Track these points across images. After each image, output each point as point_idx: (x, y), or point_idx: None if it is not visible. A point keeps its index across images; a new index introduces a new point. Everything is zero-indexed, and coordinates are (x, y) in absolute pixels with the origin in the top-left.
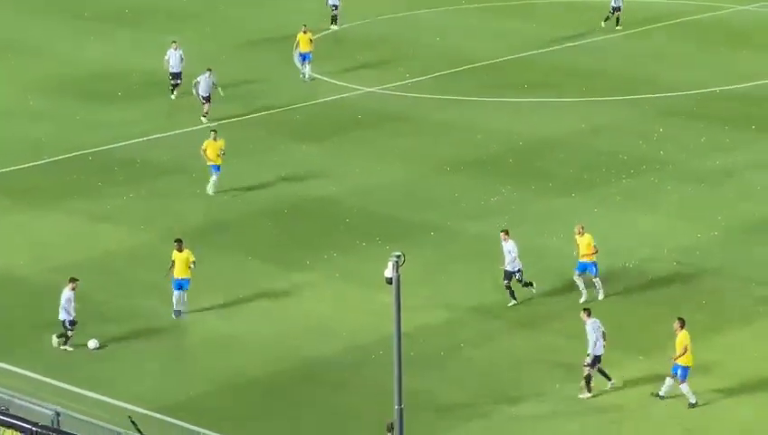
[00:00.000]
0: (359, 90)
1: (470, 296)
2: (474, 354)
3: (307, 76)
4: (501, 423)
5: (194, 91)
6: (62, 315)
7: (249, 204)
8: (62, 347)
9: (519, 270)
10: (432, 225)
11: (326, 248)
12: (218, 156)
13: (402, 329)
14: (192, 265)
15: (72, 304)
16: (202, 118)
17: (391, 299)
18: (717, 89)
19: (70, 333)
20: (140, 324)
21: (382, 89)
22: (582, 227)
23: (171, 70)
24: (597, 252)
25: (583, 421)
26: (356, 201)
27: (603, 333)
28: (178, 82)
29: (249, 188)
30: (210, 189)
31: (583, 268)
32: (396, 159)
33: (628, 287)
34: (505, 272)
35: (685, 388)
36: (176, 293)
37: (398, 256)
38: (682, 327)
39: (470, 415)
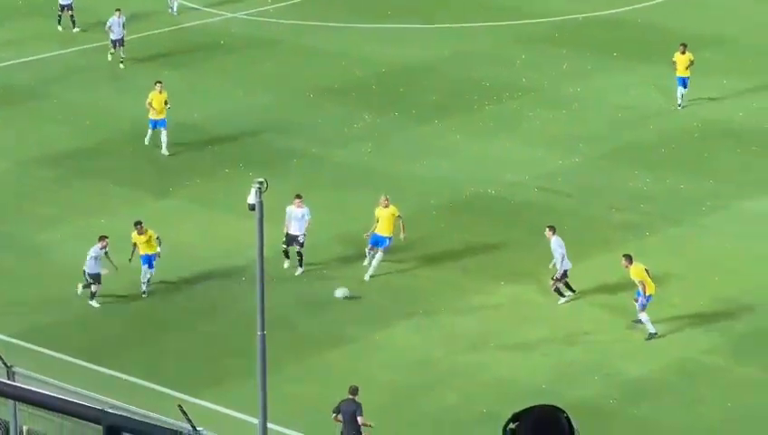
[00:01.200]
0: (222, 15)
1: (332, 223)
2: (337, 276)
3: (175, 10)
4: (366, 348)
5: (109, 38)
6: (91, 268)
7: (112, 131)
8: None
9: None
10: (296, 151)
11: (190, 175)
12: (164, 108)
13: (265, 255)
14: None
15: (99, 261)
16: (120, 65)
17: (255, 225)
18: (580, 16)
19: (94, 287)
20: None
21: (246, 14)
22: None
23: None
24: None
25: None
26: (219, 127)
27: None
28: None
29: (112, 114)
30: (164, 151)
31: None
32: (259, 84)
33: (492, 213)
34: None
35: (644, 317)
36: (144, 268)
37: (261, 183)
38: (630, 262)
39: (334, 341)
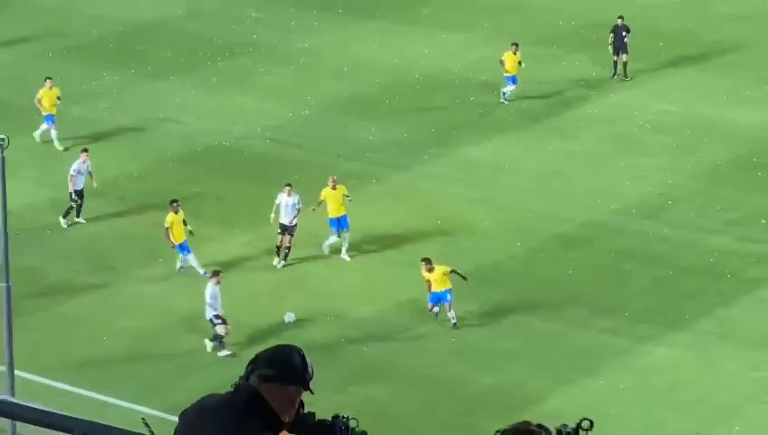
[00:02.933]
0: None
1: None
2: (82, 231)
3: None
4: (110, 294)
5: None
6: (209, 313)
7: None
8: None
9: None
10: (33, 108)
11: None
12: (54, 105)
13: (9, 208)
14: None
15: (218, 300)
16: None
17: None
18: None
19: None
20: None
21: None
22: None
23: None
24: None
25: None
26: None
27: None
28: None
29: None
30: (58, 145)
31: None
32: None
33: (225, 164)
34: None
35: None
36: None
37: (2, 139)
38: (430, 269)
39: (82, 287)
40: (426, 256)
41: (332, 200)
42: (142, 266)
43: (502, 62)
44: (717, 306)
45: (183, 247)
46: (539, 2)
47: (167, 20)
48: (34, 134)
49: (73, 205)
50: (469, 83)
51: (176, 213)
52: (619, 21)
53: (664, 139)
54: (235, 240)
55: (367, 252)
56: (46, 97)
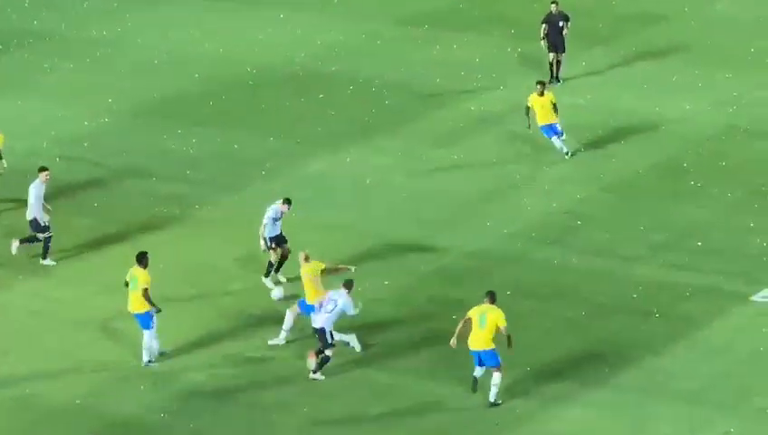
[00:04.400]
0: None
1: None
2: None
3: None
4: None
5: None
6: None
7: None
8: None
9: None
10: None
11: None
12: None
13: None
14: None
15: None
16: None
17: None
18: None
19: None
20: None
21: None
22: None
23: None
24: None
25: None
26: None
27: None
28: None
29: None
30: None
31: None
32: None
33: (4, 192)
34: None
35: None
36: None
37: None
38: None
39: None
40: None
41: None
42: None
43: (528, 110)
44: (644, 354)
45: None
46: None
47: None
48: None
49: None
50: (317, 76)
51: None
52: (553, 7)
53: (569, 141)
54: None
55: (189, 298)
56: None
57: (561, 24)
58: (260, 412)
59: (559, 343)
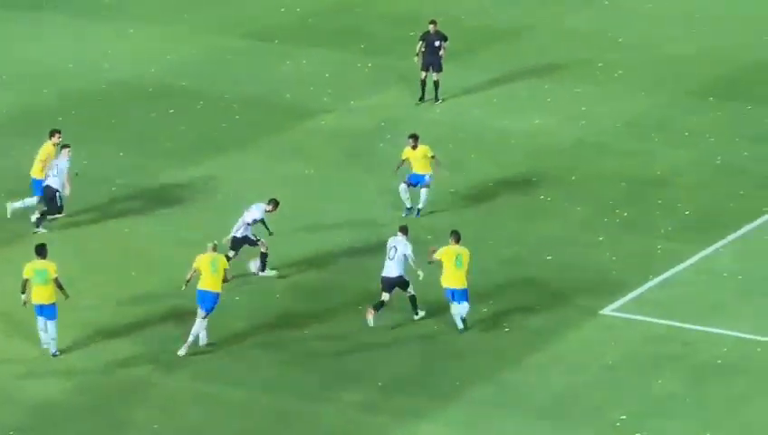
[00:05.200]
0: None
1: None
2: None
3: None
4: None
5: None
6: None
7: None
8: None
9: None
10: None
11: None
12: None
13: None
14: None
15: None
16: None
17: None
18: None
19: None
20: None
21: None
22: None
23: None
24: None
25: None
26: None
27: None
28: None
29: None
30: None
31: None
32: None
33: None
34: None
35: None
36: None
37: None
38: None
39: None
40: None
41: None
42: None
43: (402, 162)
44: (495, 369)
45: None
46: None
47: None
48: None
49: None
50: (166, 91)
51: None
52: (432, 27)
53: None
54: None
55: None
56: None
57: (437, 43)
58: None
59: (410, 357)
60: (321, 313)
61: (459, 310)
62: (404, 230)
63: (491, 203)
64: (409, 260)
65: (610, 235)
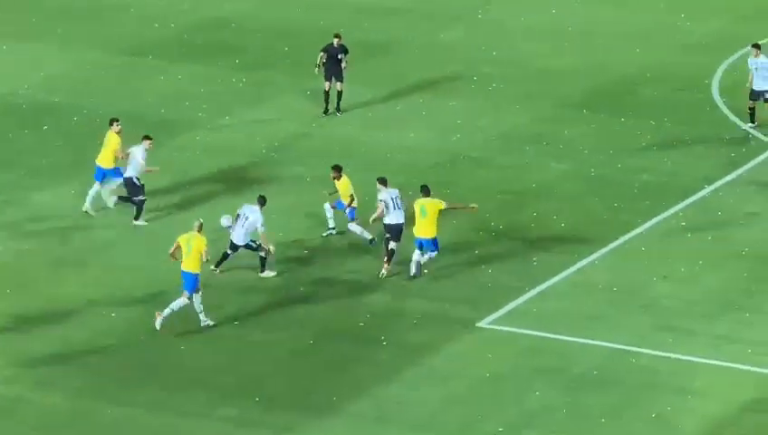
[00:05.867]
0: None
1: None
2: None
3: None
4: None
5: None
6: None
7: None
8: None
9: None
10: None
11: None
12: None
13: None
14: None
15: None
16: None
17: None
18: None
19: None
20: None
21: None
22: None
23: None
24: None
25: None
26: None
27: None
28: None
29: None
30: None
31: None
32: None
33: None
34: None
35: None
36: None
37: None
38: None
39: None
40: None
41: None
42: None
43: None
44: (373, 382)
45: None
46: (127, 1)
47: None
48: None
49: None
50: (41, 107)
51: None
52: (336, 41)
53: (299, 170)
54: None
55: None
56: None
57: (339, 56)
58: None
59: (287, 372)
60: (196, 329)
61: (419, 257)
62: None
63: (366, 217)
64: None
65: (487, 247)
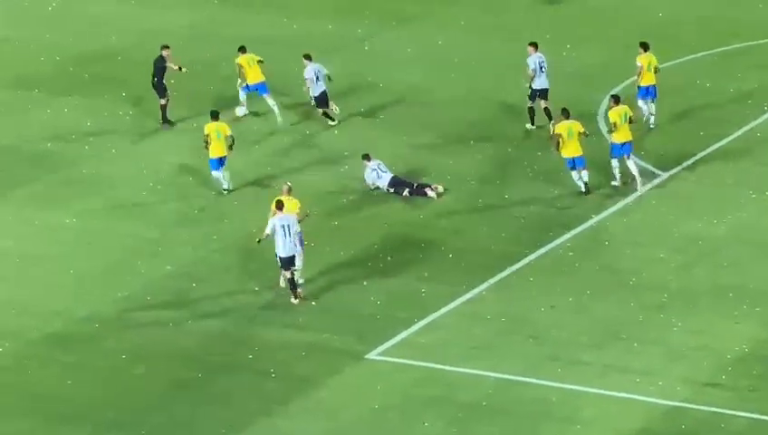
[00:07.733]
0: None
1: None
2: None
3: None
4: None
5: None
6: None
7: None
8: None
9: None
10: None
11: None
12: None
13: None
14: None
15: None
16: None
17: None
18: None
19: None
20: None
21: None
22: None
23: None
24: None
25: None
26: None
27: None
28: None
29: None
30: None
31: None
32: None
33: None
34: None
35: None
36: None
37: None
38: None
39: None
40: None
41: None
42: None
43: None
44: (260, 415)
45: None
46: (18, 33)
47: None
48: None
49: None
50: None
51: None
52: (165, 52)
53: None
54: None
55: None
56: None
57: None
58: None
59: (173, 406)
60: (84, 362)
61: (582, 175)
62: None
63: (253, 249)
64: None
65: (374, 279)
